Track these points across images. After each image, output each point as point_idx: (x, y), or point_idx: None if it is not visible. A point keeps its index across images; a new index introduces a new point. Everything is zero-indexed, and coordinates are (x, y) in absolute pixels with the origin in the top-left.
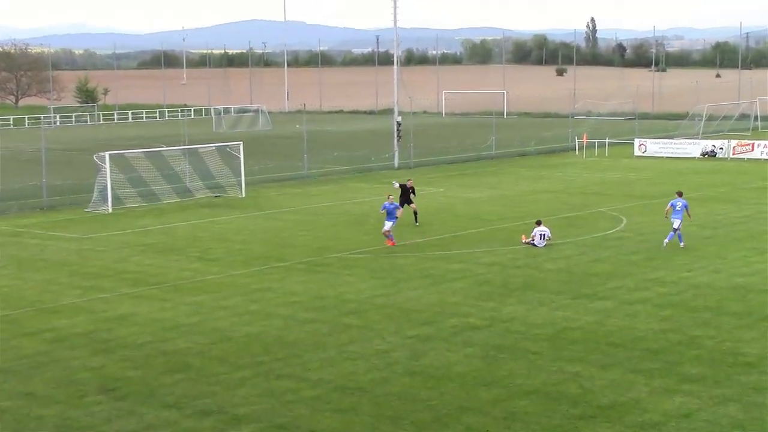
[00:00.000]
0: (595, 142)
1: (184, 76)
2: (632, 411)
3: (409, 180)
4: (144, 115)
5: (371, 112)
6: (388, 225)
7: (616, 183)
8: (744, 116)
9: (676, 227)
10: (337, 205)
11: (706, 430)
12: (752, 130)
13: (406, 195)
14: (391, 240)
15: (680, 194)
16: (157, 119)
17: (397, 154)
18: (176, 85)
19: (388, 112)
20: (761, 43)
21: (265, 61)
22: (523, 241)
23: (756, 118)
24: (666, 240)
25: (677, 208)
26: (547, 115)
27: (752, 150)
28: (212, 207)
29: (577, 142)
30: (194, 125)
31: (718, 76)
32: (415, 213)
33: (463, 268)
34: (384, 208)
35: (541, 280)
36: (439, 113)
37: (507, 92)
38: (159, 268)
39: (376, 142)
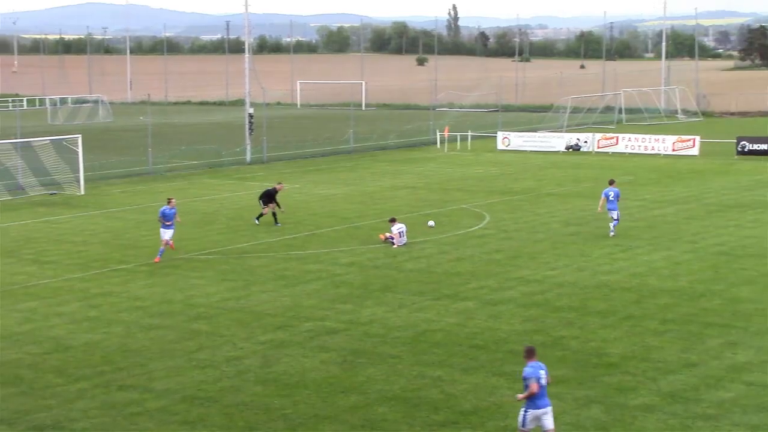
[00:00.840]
0: (457, 136)
1: (15, 63)
2: (495, 416)
3: (279, 184)
4: None
5: (221, 104)
6: (167, 234)
7: (478, 178)
8: (608, 108)
9: (615, 218)
10: (185, 203)
11: None
12: (616, 123)
13: (271, 197)
14: (160, 256)
15: (612, 182)
16: None
17: (249, 148)
18: (6, 72)
19: (240, 103)
20: (625, 33)
21: (106, 48)
22: (382, 239)
23: (620, 110)
24: (611, 232)
25: (610, 198)
26: (407, 107)
27: (616, 144)
28: (48, 205)
29: (438, 136)
30: (27, 117)
31: (582, 66)
32: (275, 215)
33: (319, 268)
34: (162, 214)
35: (402, 281)
36: (294, 105)
37: (365, 83)
38: None
39: (227, 136)
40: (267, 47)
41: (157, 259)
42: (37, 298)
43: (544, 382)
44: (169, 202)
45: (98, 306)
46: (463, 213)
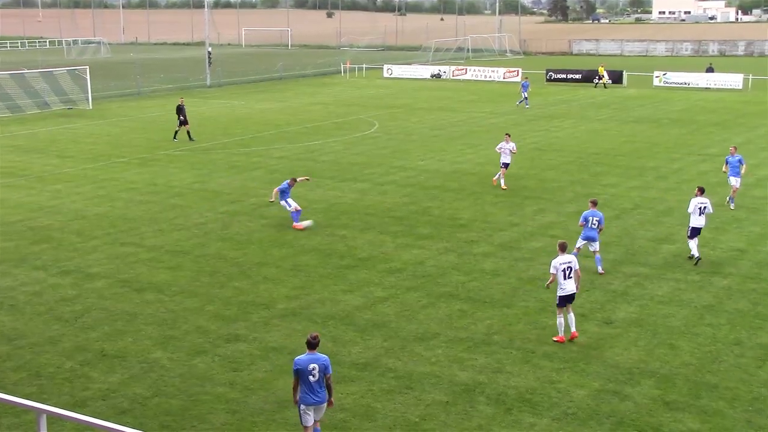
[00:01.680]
0: (355, 67)
1: (40, 14)
2: (383, 261)
3: (181, 99)
4: (8, 45)
5: (188, 44)
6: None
7: (370, 97)
8: (460, 49)
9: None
10: (164, 115)
11: (433, 271)
12: (466, 59)
13: (182, 113)
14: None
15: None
16: (19, 48)
17: (209, 76)
18: (33, 21)
19: (202, 44)
20: None
21: (105, 4)
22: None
23: (468, 50)
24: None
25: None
26: (320, 47)
27: (465, 73)
28: (66, 117)
29: (342, 67)
30: (49, 54)
31: (442, 19)
32: (189, 132)
33: (259, 160)
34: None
35: (318, 169)
36: (240, 45)
37: (290, 29)
38: (25, 163)
39: (193, 67)
40: (221, 4)
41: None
42: (61, 182)
43: (314, 378)
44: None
45: (104, 187)
46: (360, 121)
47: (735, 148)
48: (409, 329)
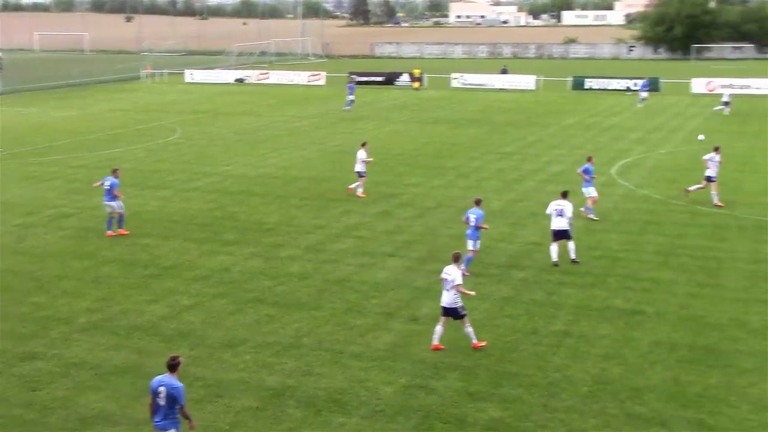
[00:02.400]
0: (157, 73)
1: None
2: (188, 269)
3: None
4: None
5: None
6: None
7: (173, 103)
8: (264, 53)
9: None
10: None
11: (240, 277)
12: (269, 63)
13: None
14: None
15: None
16: None
17: (0, 83)
18: None
19: None
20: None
21: None
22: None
23: (272, 54)
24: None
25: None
26: (120, 52)
27: (269, 77)
28: None
29: (143, 73)
30: None
31: (245, 23)
32: None
33: (57, 170)
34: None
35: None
36: (34, 50)
37: (87, 34)
38: None
39: None
40: (10, 6)
41: None
42: None
43: (161, 401)
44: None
45: None
46: (162, 128)
47: (591, 157)
48: (216, 336)
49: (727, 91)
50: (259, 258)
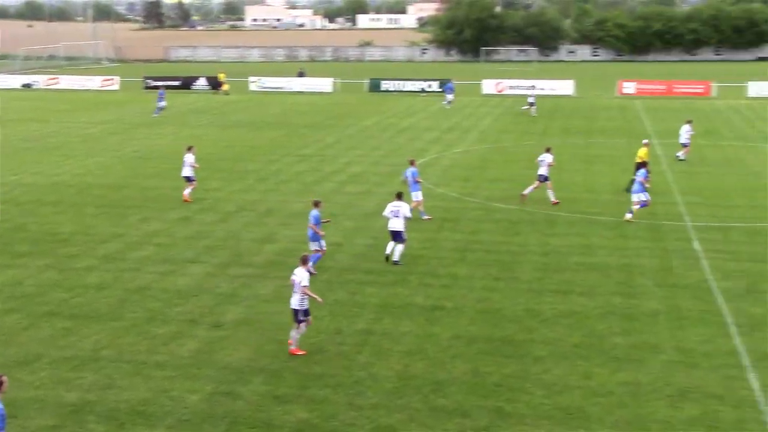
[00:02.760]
0: None
1: None
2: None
3: None
4: None
5: None
6: None
7: None
8: (52, 57)
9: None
10: None
11: (33, 290)
12: (59, 68)
13: None
14: None
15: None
16: None
17: None
18: None
19: None
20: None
21: None
22: None
23: (61, 59)
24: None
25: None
26: None
27: (59, 82)
28: None
29: None
30: None
31: (30, 26)
32: None
33: None
34: None
35: None
36: None
37: None
38: None
39: None
40: None
41: None
42: None
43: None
44: None
45: None
46: None
47: (414, 160)
48: (8, 354)
49: (532, 92)
50: (53, 270)
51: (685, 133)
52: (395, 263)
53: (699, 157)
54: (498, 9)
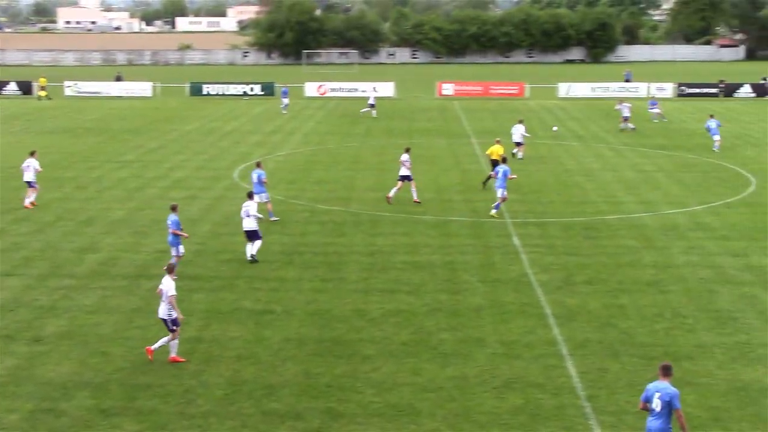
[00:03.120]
0: None
1: None
2: None
3: None
4: None
5: None
6: None
7: None
8: None
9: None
10: None
11: None
12: None
13: None
14: None
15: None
16: None
17: None
18: None
19: None
20: None
21: None
22: None
23: None
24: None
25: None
26: None
27: None
28: None
29: None
30: None
31: None
32: None
33: None
34: None
35: None
36: None
37: None
38: None
39: None
40: None
41: None
42: None
43: None
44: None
45: None
46: None
47: (260, 162)
48: None
49: (373, 94)
50: None
51: (516, 132)
52: (252, 258)
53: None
54: (318, 12)
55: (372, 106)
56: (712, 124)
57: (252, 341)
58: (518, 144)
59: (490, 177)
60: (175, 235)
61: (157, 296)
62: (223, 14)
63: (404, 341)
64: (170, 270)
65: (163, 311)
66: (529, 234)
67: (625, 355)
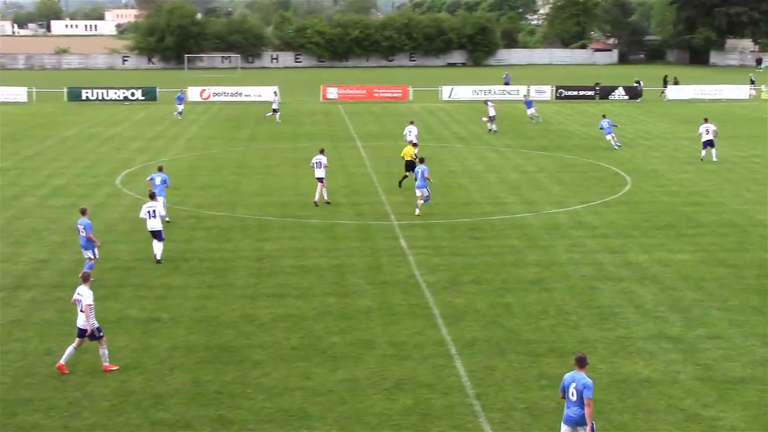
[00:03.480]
0: None
1: None
2: None
3: None
4: None
5: None
6: None
7: None
8: None
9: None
10: None
11: None
12: None
13: None
14: None
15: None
16: None
17: None
18: None
19: None
20: None
21: None
22: None
23: None
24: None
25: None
26: None
27: None
28: None
29: None
30: None
31: None
32: None
33: None
34: None
35: None
36: None
37: None
38: None
39: None
40: None
41: None
42: None
43: None
44: None
45: None
46: None
47: (162, 166)
48: None
49: (276, 99)
50: None
51: (409, 133)
52: (158, 262)
53: (398, 159)
54: (199, 16)
55: (275, 111)
56: (605, 123)
57: (139, 350)
58: (414, 145)
59: (405, 177)
60: (89, 240)
61: (73, 306)
62: (101, 17)
63: (294, 346)
64: (85, 279)
65: (81, 321)
66: (415, 236)
67: (511, 352)
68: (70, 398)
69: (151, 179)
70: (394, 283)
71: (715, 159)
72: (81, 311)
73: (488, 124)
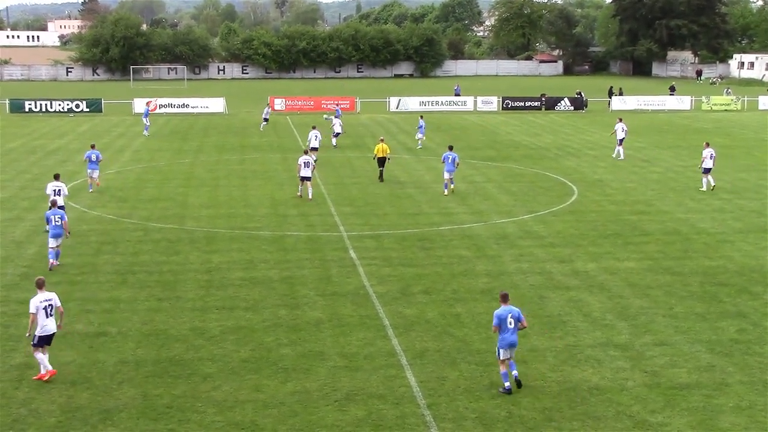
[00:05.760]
0: None
1: None
2: None
3: None
4: None
5: None
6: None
7: None
8: None
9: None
10: None
11: None
12: None
13: None
14: None
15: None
16: None
17: None
18: None
19: None
20: None
21: None
22: None
23: None
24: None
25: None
26: None
27: None
28: None
29: None
30: None
31: None
32: None
33: None
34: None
35: None
36: None
37: None
38: None
39: None
40: None
41: None
42: None
43: None
44: None
45: None
46: None
47: (94, 144)
48: None
49: (267, 110)
50: None
51: (315, 138)
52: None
53: (350, 169)
54: (144, 27)
55: (266, 120)
56: (423, 123)
57: (86, 365)
58: (314, 149)
59: (381, 173)
60: (62, 228)
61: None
62: (44, 28)
63: (244, 358)
64: (40, 285)
65: (52, 326)
66: (365, 246)
67: (462, 362)
68: (15, 415)
69: (87, 157)
70: (344, 294)
71: (622, 157)
72: (50, 315)
73: (334, 139)
